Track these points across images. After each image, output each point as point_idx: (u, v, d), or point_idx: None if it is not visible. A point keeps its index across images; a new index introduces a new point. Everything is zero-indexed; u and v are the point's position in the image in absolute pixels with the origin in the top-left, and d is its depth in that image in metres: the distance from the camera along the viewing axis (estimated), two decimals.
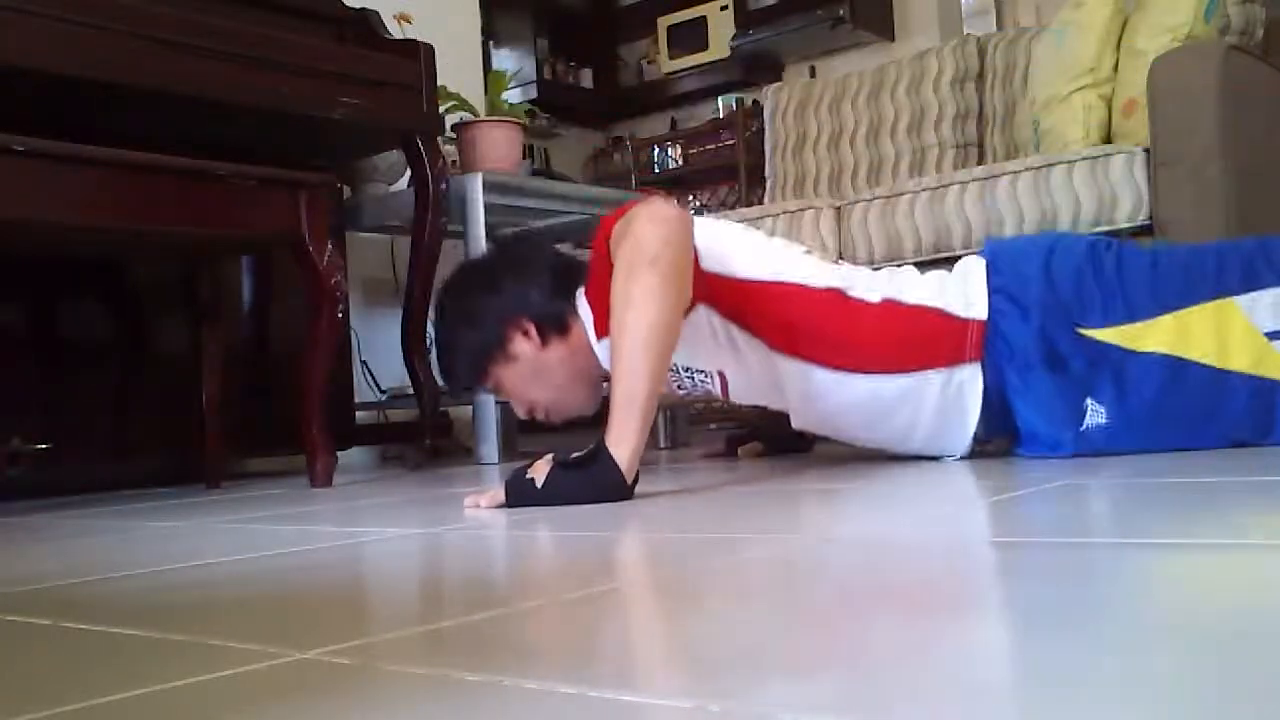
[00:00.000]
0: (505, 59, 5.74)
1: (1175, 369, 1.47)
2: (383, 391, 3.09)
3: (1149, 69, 2.27)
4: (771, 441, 2.08)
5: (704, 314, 1.60)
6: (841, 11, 4.81)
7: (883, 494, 1.36)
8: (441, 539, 1.22)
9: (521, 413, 1.76)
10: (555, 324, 1.68)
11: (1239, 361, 1.46)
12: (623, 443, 1.37)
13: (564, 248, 3.01)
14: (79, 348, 2.39)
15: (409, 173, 2.73)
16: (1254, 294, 1.47)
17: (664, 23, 5.73)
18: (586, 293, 1.64)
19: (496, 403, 2.60)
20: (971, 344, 1.55)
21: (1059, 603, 0.66)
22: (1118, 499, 1.14)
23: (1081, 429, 1.51)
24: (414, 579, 1.02)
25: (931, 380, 1.57)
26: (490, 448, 2.58)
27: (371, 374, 3.11)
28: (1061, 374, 1.52)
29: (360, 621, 0.79)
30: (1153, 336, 1.49)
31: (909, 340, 1.58)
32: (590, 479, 1.36)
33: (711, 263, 1.60)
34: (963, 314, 1.57)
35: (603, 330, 1.57)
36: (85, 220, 1.84)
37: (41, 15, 1.95)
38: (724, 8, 5.45)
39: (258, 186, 2.03)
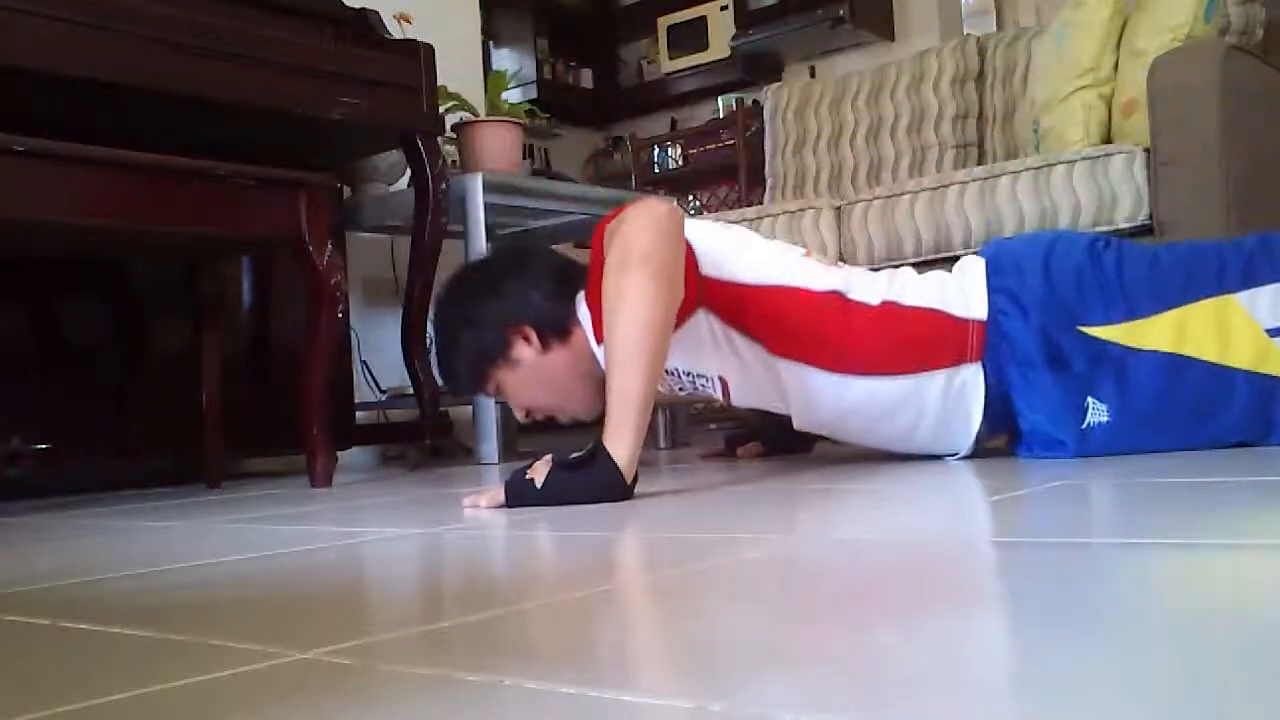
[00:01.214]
0: (505, 59, 5.74)
1: (1176, 366, 1.47)
2: (383, 391, 3.09)
3: (1149, 69, 2.27)
4: (771, 441, 2.08)
5: (704, 319, 1.60)
6: (841, 11, 4.81)
7: (883, 494, 1.36)
8: (441, 539, 1.22)
9: (521, 416, 1.76)
10: (556, 328, 1.67)
11: (1240, 358, 1.46)
12: (621, 442, 1.37)
13: (562, 248, 3.03)
14: (79, 348, 2.39)
15: (409, 173, 2.73)
16: (1254, 290, 1.47)
17: (664, 23, 5.73)
18: (587, 297, 1.64)
19: (496, 403, 2.60)
20: (973, 345, 1.55)
21: (1059, 603, 0.66)
22: (1118, 499, 1.14)
23: (1084, 427, 1.51)
24: (414, 579, 1.02)
25: (933, 381, 1.57)
26: (490, 448, 2.58)
27: (371, 374, 3.11)
28: (1063, 372, 1.51)
29: (360, 621, 0.79)
30: (1153, 334, 1.49)
31: (909, 342, 1.58)
32: (589, 479, 1.36)
33: (710, 267, 1.60)
34: (963, 314, 1.57)
35: (601, 335, 1.57)
36: (85, 220, 1.84)
37: (41, 15, 1.95)
38: (724, 8, 5.45)
39: (258, 186, 2.03)
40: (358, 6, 2.69)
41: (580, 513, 1.29)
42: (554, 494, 1.36)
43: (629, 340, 1.39)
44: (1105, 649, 0.52)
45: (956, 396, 1.57)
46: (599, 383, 1.67)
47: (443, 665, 0.59)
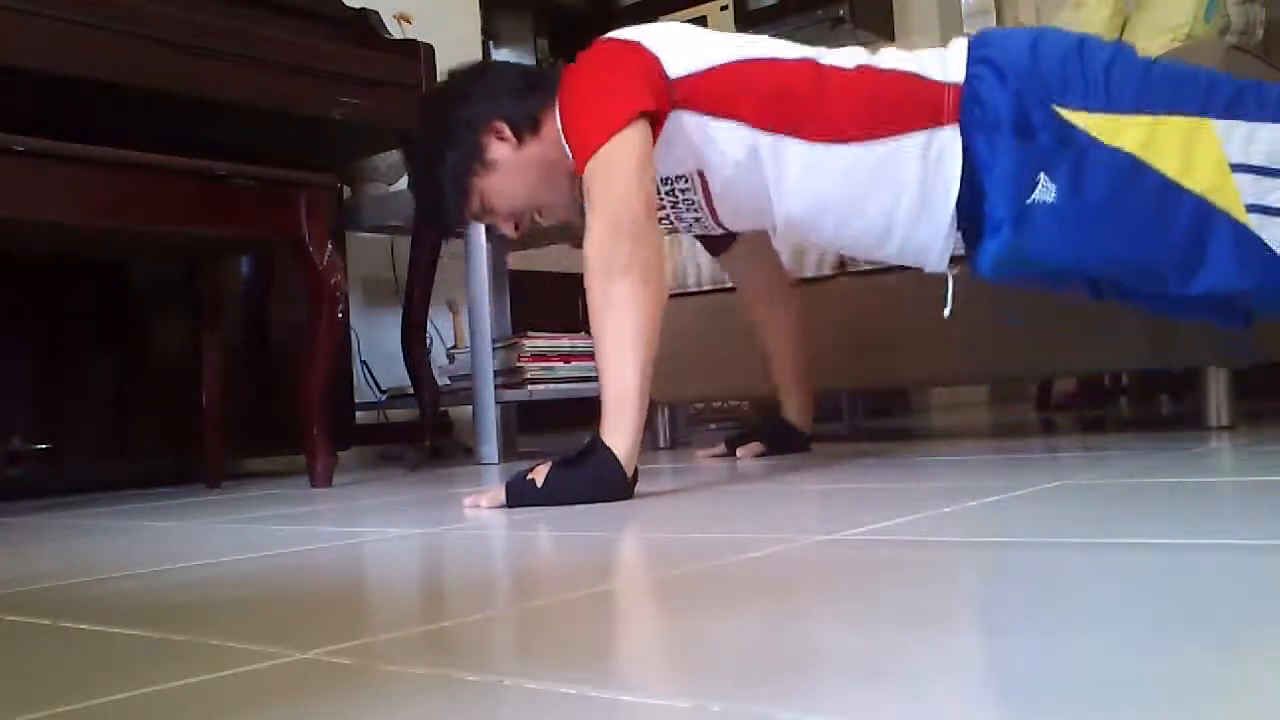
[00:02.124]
0: (505, 59, 5.74)
1: (1133, 170, 1.46)
2: (383, 391, 3.09)
3: None
4: (771, 441, 2.08)
5: (676, 118, 1.59)
6: (841, 11, 4.82)
7: (881, 493, 1.36)
8: (441, 539, 1.22)
9: (510, 229, 1.74)
10: (528, 121, 1.66)
11: (1197, 182, 1.44)
12: (618, 435, 1.37)
13: (561, 249, 3.03)
14: (79, 347, 2.39)
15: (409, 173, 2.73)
16: (1233, 122, 1.45)
17: None
18: (563, 127, 1.62)
19: (496, 403, 2.60)
20: (949, 107, 1.54)
21: (1059, 603, 0.66)
22: (1113, 499, 1.14)
23: (1028, 202, 1.49)
24: (414, 579, 1.02)
25: (910, 145, 1.55)
26: (490, 448, 2.58)
27: (371, 374, 3.11)
28: (1026, 143, 1.50)
29: (360, 621, 0.79)
30: (1123, 132, 1.47)
31: (885, 102, 1.57)
32: (589, 476, 1.37)
33: (681, 66, 1.59)
34: (940, 78, 1.56)
35: (579, 163, 1.56)
36: (85, 220, 1.84)
37: (41, 15, 1.95)
38: (724, 8, 5.45)
39: (258, 186, 2.03)
40: (358, 6, 2.69)
41: (580, 513, 1.29)
42: (554, 493, 1.36)
43: (621, 343, 1.40)
44: (1104, 651, 0.53)
45: (934, 167, 1.55)
46: (576, 183, 1.65)
47: (443, 665, 0.59)
